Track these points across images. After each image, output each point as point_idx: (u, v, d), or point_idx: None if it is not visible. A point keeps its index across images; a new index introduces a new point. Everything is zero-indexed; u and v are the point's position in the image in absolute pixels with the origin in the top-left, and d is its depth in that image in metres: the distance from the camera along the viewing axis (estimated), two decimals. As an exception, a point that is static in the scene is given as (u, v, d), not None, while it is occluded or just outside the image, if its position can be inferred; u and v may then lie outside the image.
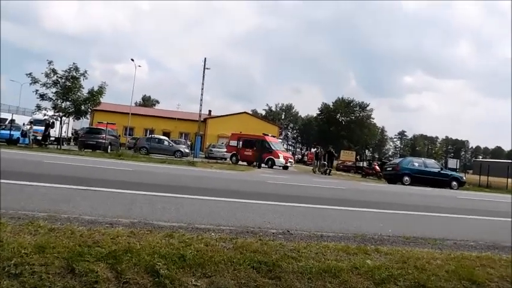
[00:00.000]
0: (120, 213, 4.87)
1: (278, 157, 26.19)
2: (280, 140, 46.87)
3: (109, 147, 24.48)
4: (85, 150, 23.24)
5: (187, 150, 28.36)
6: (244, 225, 4.89)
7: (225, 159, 29.21)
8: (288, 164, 26.92)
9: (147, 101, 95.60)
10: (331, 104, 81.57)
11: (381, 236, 5.08)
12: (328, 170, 25.23)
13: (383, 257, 3.86)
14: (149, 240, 3.52)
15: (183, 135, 48.69)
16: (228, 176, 14.77)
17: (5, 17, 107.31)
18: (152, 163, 17.87)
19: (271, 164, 25.95)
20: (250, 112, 70.94)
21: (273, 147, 26.89)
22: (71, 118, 25.94)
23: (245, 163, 26.87)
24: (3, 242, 3.06)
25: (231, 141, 29.14)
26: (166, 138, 30.15)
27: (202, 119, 48.25)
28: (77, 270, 2.88)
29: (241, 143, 27.96)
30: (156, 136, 30.93)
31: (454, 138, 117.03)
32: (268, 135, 29.06)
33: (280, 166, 26.28)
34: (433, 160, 28.01)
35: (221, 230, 4.38)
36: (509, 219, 7.51)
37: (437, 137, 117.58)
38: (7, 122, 25.10)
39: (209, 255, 3.31)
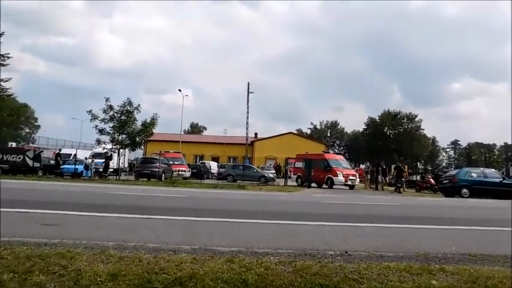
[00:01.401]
0: (181, 240, 5.09)
1: (337, 175, 24.51)
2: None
3: (163, 175, 25.53)
4: (141, 179, 24.39)
5: (271, 175, 29.17)
6: (301, 247, 4.89)
7: (274, 180, 29.23)
8: (349, 182, 24.85)
9: (194, 128, 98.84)
10: (377, 118, 79.39)
11: (444, 254, 4.85)
12: (400, 188, 23.42)
13: (449, 277, 3.69)
14: (211, 266, 3.66)
15: (231, 159, 49.46)
16: (278, 197, 14.80)
17: (61, 61, 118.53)
18: (204, 189, 18.35)
19: (331, 184, 24.53)
20: (296, 132, 70.72)
21: (332, 165, 25.22)
22: (127, 150, 27.46)
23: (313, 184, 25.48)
24: (81, 271, 3.35)
25: (296, 163, 28.31)
26: (252, 166, 33.13)
27: (249, 142, 49.07)
28: (147, 296, 3.07)
29: (304, 164, 26.85)
30: (240, 164, 35.27)
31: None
32: (328, 152, 27.99)
33: (342, 185, 24.66)
34: (493, 169, 26.30)
35: (279, 254, 4.43)
36: None
37: (494, 144, 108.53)
38: (71, 157, 27.07)
39: (270, 279, 3.37)
